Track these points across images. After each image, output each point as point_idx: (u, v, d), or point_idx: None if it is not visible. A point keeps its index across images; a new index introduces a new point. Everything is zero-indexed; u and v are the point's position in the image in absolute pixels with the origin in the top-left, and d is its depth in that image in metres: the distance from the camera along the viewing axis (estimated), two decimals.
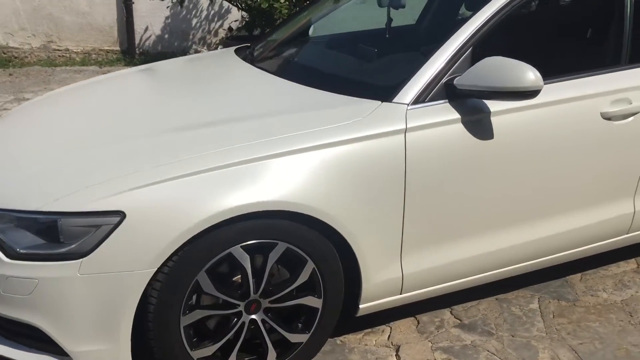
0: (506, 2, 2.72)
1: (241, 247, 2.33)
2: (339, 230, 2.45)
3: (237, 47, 3.58)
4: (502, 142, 2.68)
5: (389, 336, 2.86)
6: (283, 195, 2.33)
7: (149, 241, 2.19)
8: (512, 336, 2.85)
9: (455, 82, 2.59)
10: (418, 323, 2.94)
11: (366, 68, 2.97)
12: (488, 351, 2.75)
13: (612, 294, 3.17)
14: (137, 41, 8.23)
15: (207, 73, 3.30)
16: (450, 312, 3.02)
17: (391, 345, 2.80)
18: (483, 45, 2.71)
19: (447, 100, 2.61)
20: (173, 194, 2.23)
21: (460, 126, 2.61)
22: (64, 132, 2.76)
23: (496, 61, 2.53)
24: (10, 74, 7.73)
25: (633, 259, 3.49)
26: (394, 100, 2.58)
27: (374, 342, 2.82)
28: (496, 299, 3.12)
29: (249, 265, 2.36)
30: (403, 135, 2.51)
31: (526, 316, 2.99)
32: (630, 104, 2.90)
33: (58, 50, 8.44)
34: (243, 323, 2.43)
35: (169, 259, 2.24)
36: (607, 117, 2.86)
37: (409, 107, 2.56)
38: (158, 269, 2.23)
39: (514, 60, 2.52)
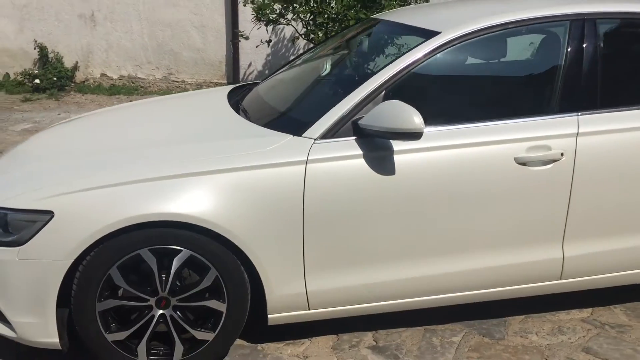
0: (421, 56, 2.98)
1: (149, 249, 2.77)
2: (238, 246, 2.82)
3: (236, 85, 4.07)
4: (405, 179, 2.91)
5: (305, 349, 3.15)
6: (185, 209, 2.74)
7: (69, 237, 2.71)
8: None
9: (359, 121, 2.88)
10: (337, 340, 3.20)
11: (297, 106, 3.31)
12: None
13: (542, 338, 3.22)
14: (241, 75, 9.03)
15: (191, 107, 3.83)
16: (373, 334, 3.25)
17: (301, 357, 3.09)
18: (400, 91, 2.97)
19: (354, 138, 2.91)
20: (91, 201, 2.73)
21: (362, 161, 2.88)
22: (55, 148, 3.37)
23: (391, 105, 2.80)
24: (130, 100, 8.81)
25: (590, 308, 3.48)
26: (304, 134, 2.92)
27: (289, 351, 3.13)
28: (425, 328, 3.30)
29: (156, 266, 2.79)
30: (304, 165, 2.84)
31: (442, 347, 3.15)
32: (550, 150, 3.00)
33: (176, 81, 9.47)
34: (153, 316, 2.86)
35: (87, 253, 2.73)
36: (522, 163, 2.98)
37: (316, 142, 2.89)
38: (79, 261, 2.73)
39: (405, 105, 2.77)
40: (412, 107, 2.76)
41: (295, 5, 7.02)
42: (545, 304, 3.46)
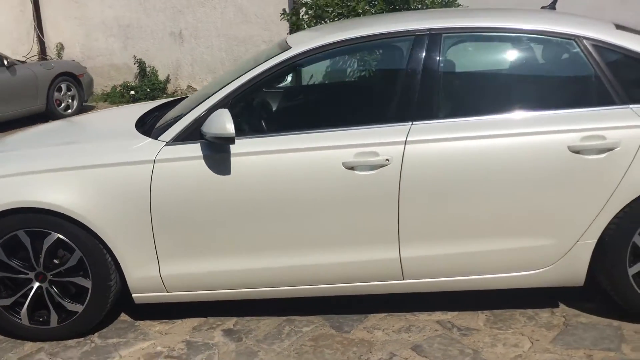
0: (266, 69, 3.32)
1: (24, 231, 3.35)
2: (95, 231, 3.31)
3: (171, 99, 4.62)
4: (239, 179, 3.24)
5: (171, 327, 3.57)
6: (47, 198, 3.28)
7: None
8: (253, 345, 3.34)
9: (201, 127, 3.27)
10: (204, 322, 3.59)
11: (177, 116, 3.71)
12: (218, 351, 3.31)
13: (385, 334, 3.38)
14: None
15: (116, 116, 4.43)
16: (237, 320, 3.59)
17: (163, 334, 3.51)
18: (246, 100, 3.34)
19: (200, 141, 3.30)
20: None
21: (202, 162, 3.26)
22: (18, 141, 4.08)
23: (216, 113, 3.18)
24: None
25: (456, 312, 3.56)
26: (159, 138, 3.36)
27: (157, 328, 3.57)
28: (287, 318, 3.58)
29: (30, 245, 3.36)
30: (151, 164, 3.28)
31: (287, 335, 3.42)
32: (377, 156, 3.19)
33: None
34: (31, 287, 3.44)
35: None
36: (350, 167, 3.20)
37: (166, 144, 3.32)
38: None
39: (224, 113, 3.14)
40: (228, 115, 3.12)
41: (326, 20, 7.40)
42: (415, 305, 3.60)
